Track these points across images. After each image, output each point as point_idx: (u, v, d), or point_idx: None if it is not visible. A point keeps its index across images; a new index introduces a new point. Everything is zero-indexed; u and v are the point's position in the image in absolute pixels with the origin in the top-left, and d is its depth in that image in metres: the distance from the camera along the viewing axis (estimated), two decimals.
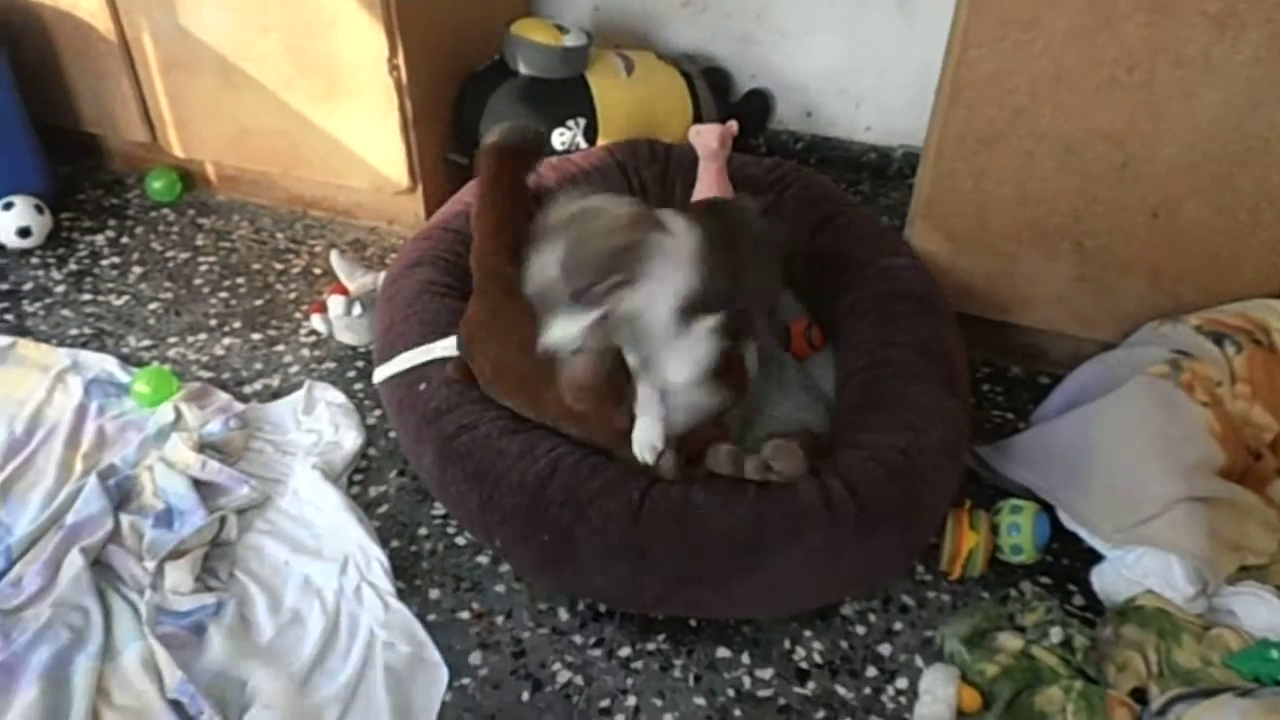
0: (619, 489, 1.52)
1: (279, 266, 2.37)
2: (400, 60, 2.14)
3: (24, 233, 2.32)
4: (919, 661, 1.61)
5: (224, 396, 2.00)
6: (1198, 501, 1.54)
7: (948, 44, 1.95)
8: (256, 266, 2.37)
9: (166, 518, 1.75)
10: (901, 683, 1.58)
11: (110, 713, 1.46)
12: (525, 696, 1.55)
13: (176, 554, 1.69)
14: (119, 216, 2.52)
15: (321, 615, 1.62)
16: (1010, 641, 1.57)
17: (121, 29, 2.31)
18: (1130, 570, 1.58)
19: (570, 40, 2.34)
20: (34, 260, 2.36)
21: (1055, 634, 1.57)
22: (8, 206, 2.31)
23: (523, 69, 2.34)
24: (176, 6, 2.21)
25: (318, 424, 1.96)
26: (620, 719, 1.52)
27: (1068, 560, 1.74)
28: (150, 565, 1.68)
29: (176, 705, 1.47)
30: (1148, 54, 1.68)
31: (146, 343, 2.15)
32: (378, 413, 2.00)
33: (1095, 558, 1.69)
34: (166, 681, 1.49)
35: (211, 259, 2.39)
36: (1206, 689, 1.44)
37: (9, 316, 2.19)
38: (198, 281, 2.32)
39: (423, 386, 1.70)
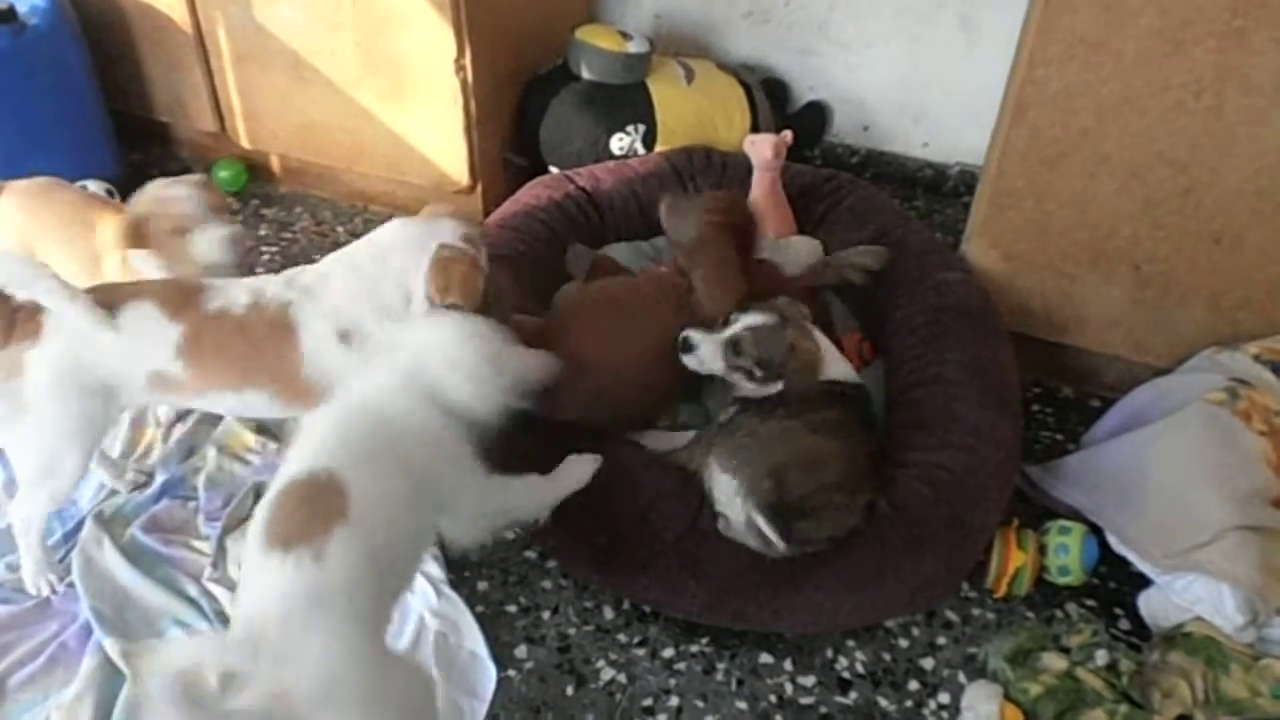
0: (678, 498, 1.54)
1: None
2: (467, 61, 2.18)
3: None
4: (961, 678, 1.61)
5: None
6: (1251, 531, 1.53)
7: (1013, 63, 1.95)
8: (317, 258, 2.41)
9: (224, 499, 1.80)
10: (944, 697, 1.58)
11: None
12: (570, 691, 1.57)
13: (231, 527, 1.74)
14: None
15: None
16: (1055, 662, 1.57)
17: (198, 21, 2.38)
18: (1180, 597, 1.57)
19: (633, 47, 2.37)
20: None
21: (1101, 656, 1.57)
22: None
23: (585, 73, 2.37)
24: (252, 2, 2.27)
25: None
26: (663, 718, 1.54)
27: (1115, 584, 1.74)
28: (210, 545, 1.72)
29: None
30: (1217, 79, 1.67)
31: None
32: None
33: (1143, 582, 1.68)
34: None
35: (274, 249, 2.45)
36: (1254, 719, 1.43)
37: None
38: (260, 271, 2.37)
39: None
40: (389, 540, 1.25)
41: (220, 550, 1.72)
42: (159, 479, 1.83)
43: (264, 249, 2.45)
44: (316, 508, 1.22)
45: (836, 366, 1.72)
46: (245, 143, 2.55)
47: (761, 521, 1.47)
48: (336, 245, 2.43)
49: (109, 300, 1.53)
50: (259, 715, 1.10)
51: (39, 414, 1.52)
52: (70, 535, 1.74)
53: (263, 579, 1.19)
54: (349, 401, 1.38)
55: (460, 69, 2.18)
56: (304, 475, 1.26)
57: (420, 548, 1.42)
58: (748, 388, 1.69)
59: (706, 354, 1.68)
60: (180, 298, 1.56)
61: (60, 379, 1.51)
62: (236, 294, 1.58)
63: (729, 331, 1.67)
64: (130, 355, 1.53)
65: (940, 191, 2.70)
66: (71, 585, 1.65)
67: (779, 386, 1.66)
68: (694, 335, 1.69)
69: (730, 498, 1.50)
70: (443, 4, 2.09)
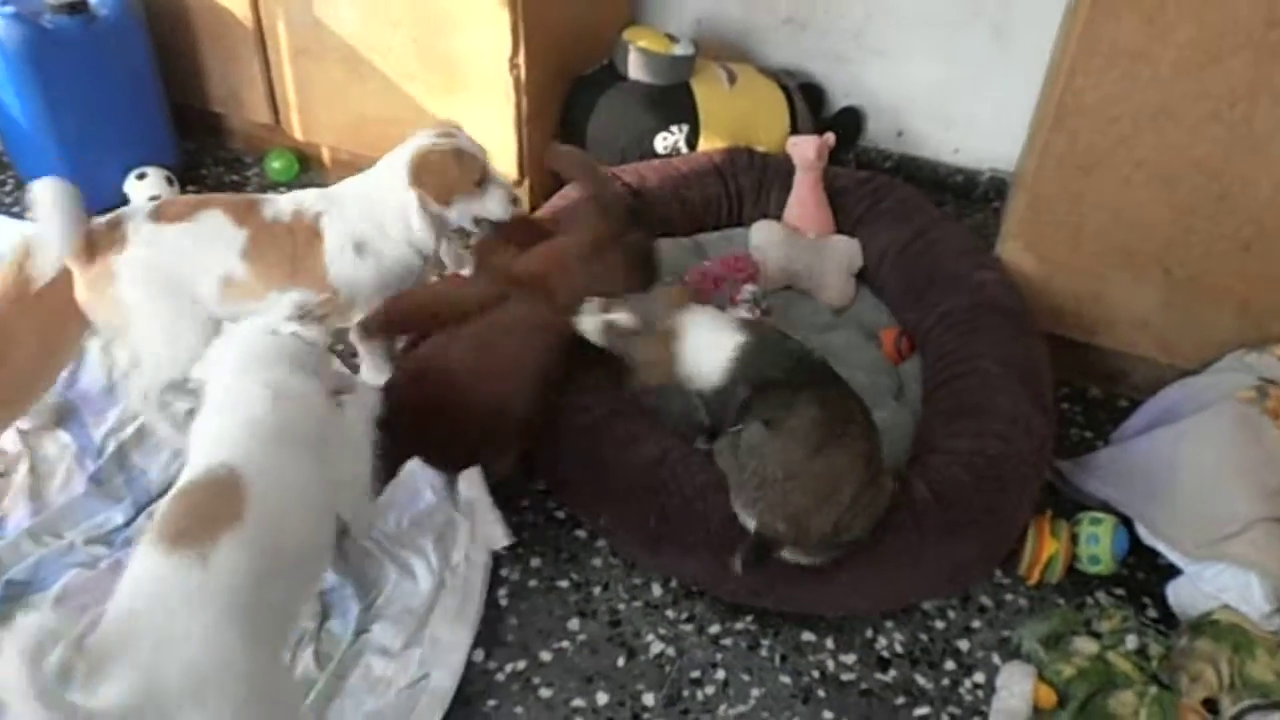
0: (724, 486, 1.61)
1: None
2: (521, 59, 2.25)
3: (154, 201, 2.46)
4: (996, 659, 1.68)
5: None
6: (1278, 523, 1.60)
7: (1050, 71, 2.03)
8: None
9: None
10: (979, 677, 1.65)
11: None
12: (621, 662, 1.64)
13: None
14: (238, 192, 2.66)
15: (429, 572, 1.72)
16: (1086, 645, 1.63)
17: (258, 16, 2.45)
18: (1208, 585, 1.64)
19: (679, 49, 2.44)
20: None
21: (1131, 641, 1.63)
22: (141, 177, 2.46)
23: (632, 74, 2.44)
24: None
25: None
26: (710, 690, 1.61)
27: (1143, 574, 1.80)
28: None
29: None
30: (1251, 91, 1.74)
31: None
32: None
33: (1170, 574, 1.75)
34: None
35: None
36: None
37: None
38: None
39: None
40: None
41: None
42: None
43: None
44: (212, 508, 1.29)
45: (709, 358, 1.63)
46: (298, 134, 2.62)
47: (738, 557, 1.53)
48: None
49: (184, 212, 1.79)
50: (123, 712, 1.10)
51: (137, 310, 1.77)
52: None
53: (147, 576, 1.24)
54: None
55: (514, 67, 2.26)
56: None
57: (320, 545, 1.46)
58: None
59: (589, 327, 1.71)
60: (244, 207, 1.81)
61: (148, 277, 1.75)
62: (285, 205, 1.83)
63: (612, 314, 1.70)
64: (204, 258, 1.78)
65: (970, 197, 2.77)
66: None
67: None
68: (585, 307, 1.72)
69: (749, 527, 1.55)
70: (502, 4, 2.17)
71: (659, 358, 1.64)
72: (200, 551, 1.23)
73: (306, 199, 1.85)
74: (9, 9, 2.23)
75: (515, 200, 1.89)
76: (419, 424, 1.72)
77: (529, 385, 1.76)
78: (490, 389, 1.73)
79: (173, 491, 1.35)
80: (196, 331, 1.82)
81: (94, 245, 1.73)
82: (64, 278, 1.74)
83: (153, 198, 2.46)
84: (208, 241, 1.77)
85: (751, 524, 1.53)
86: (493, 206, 1.86)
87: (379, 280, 1.88)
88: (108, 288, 1.75)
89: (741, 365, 1.60)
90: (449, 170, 1.80)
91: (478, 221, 1.90)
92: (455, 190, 1.81)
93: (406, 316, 1.88)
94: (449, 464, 1.76)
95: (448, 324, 1.80)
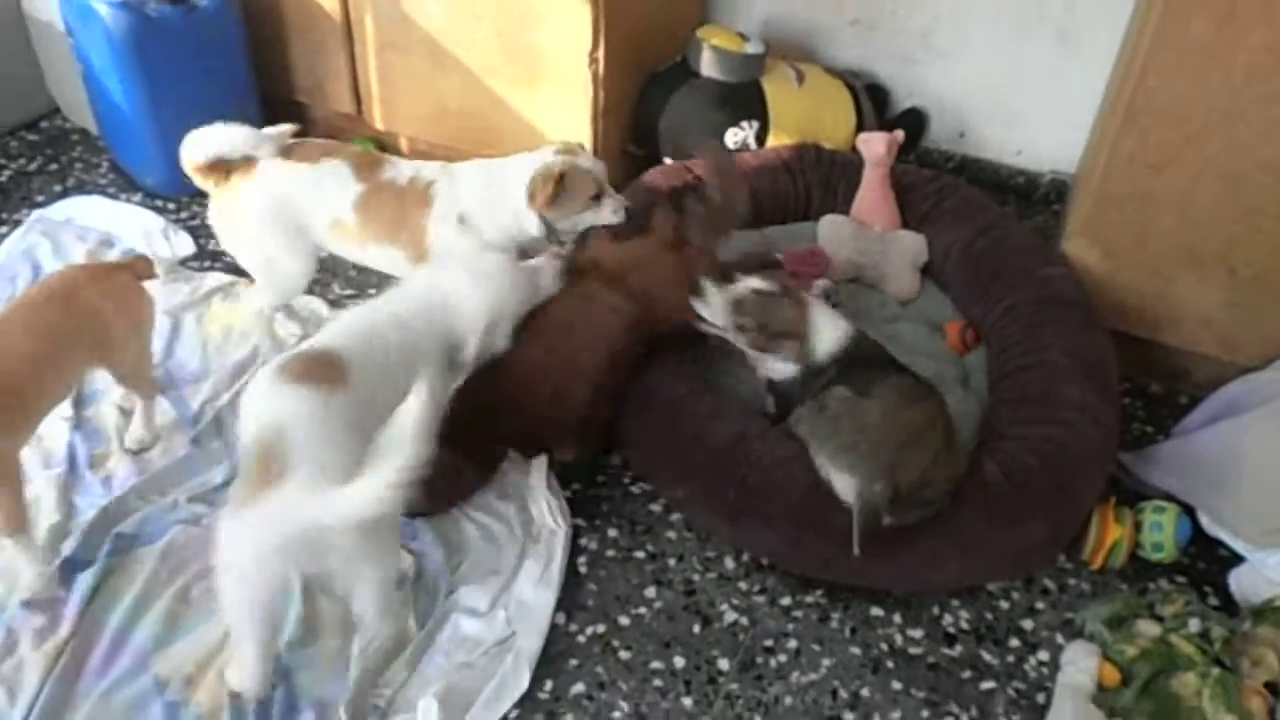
0: (803, 459, 1.68)
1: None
2: (600, 54, 2.33)
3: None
4: (1059, 639, 1.73)
5: None
6: None
7: (1120, 72, 2.08)
8: None
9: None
10: (1043, 655, 1.71)
11: None
12: (696, 629, 1.71)
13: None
14: None
15: (513, 539, 1.81)
16: (1149, 628, 1.68)
17: (346, 9, 2.55)
18: (1273, 572, 1.68)
19: (751, 48, 2.51)
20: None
21: (1194, 624, 1.68)
22: None
23: (704, 71, 2.52)
24: None
25: None
26: (782, 658, 1.68)
27: (1204, 564, 1.85)
28: None
29: None
30: None
31: (349, 291, 2.38)
32: None
33: (1231, 563, 1.79)
34: None
35: None
36: None
37: (229, 260, 2.44)
38: None
39: None
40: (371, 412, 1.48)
41: None
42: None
43: None
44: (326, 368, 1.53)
45: (829, 335, 1.74)
46: (379, 124, 2.72)
47: (855, 529, 1.60)
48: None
49: (312, 155, 2.00)
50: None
51: (253, 234, 2.01)
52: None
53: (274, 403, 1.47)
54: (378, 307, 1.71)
55: (593, 61, 2.34)
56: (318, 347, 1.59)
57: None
58: (771, 367, 1.80)
59: (715, 304, 1.77)
60: (367, 164, 2.01)
61: (268, 205, 1.97)
62: (404, 170, 2.01)
63: (735, 290, 1.78)
64: (319, 201, 1.98)
65: (1031, 199, 2.81)
66: None
67: (789, 366, 1.76)
68: (708, 285, 1.79)
69: (845, 494, 1.62)
70: (584, 0, 2.26)
71: (794, 329, 1.73)
72: None
73: (427, 169, 2.02)
74: None
75: (626, 210, 2.01)
76: (484, 410, 1.80)
77: (590, 381, 1.83)
78: (550, 384, 1.82)
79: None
80: (300, 264, 2.05)
81: (229, 170, 1.96)
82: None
83: None
84: (326, 186, 1.98)
85: (850, 490, 1.60)
86: (606, 216, 2.00)
87: (501, 240, 2.02)
88: (234, 211, 1.99)
89: (848, 347, 1.71)
90: (568, 187, 1.95)
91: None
92: (569, 206, 1.97)
93: None
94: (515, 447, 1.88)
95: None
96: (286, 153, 1.99)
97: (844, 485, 1.63)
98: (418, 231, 1.98)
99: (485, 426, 1.82)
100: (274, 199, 1.97)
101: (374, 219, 1.98)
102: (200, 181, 1.99)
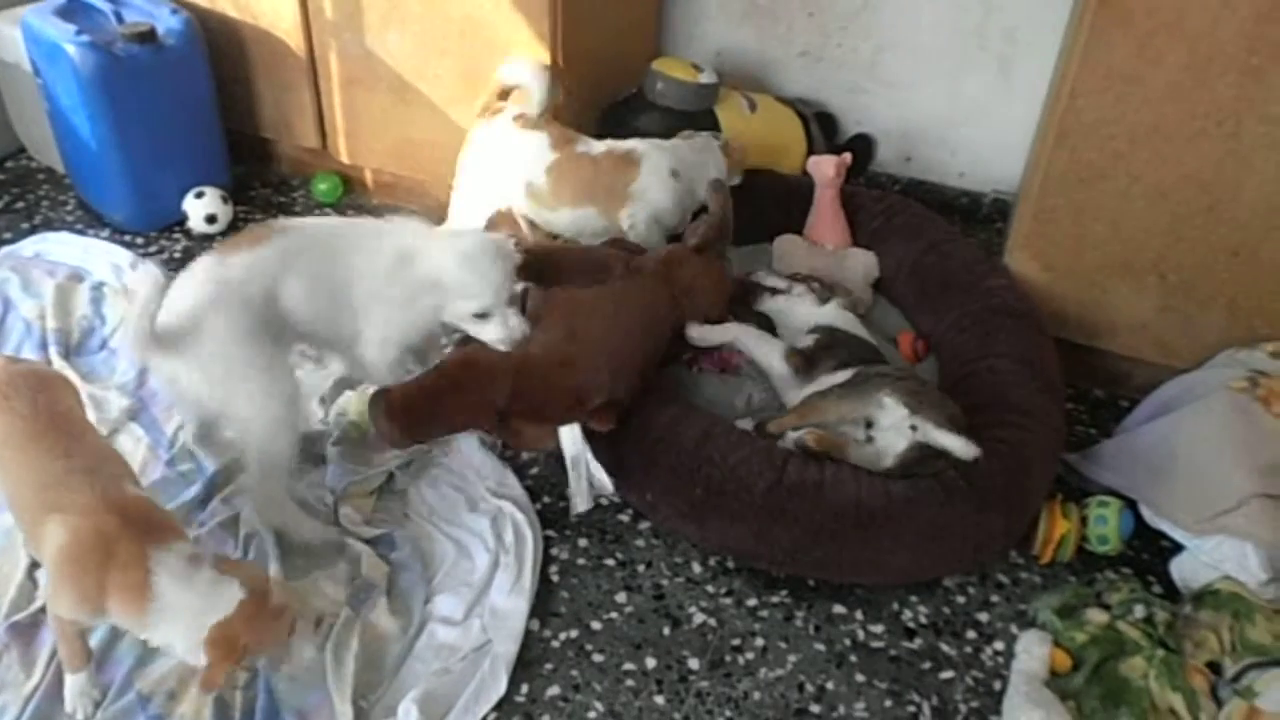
0: (765, 456, 1.76)
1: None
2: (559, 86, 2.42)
3: (210, 219, 2.61)
4: (1014, 629, 1.81)
5: None
6: (1273, 498, 1.74)
7: (1052, 93, 2.21)
8: None
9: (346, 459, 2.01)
10: (999, 645, 1.78)
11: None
12: (666, 631, 1.77)
13: (348, 496, 1.94)
14: (286, 213, 2.81)
15: (485, 551, 1.86)
16: (1097, 616, 1.76)
17: (311, 47, 2.62)
18: (1209, 557, 1.78)
19: (705, 78, 2.62)
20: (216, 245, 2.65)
21: (1139, 610, 1.77)
22: (199, 195, 2.62)
23: (660, 100, 2.62)
24: (365, 29, 2.52)
25: None
26: (750, 656, 1.74)
27: (1147, 555, 1.94)
28: (329, 501, 1.93)
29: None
30: (1236, 110, 1.91)
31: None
32: None
33: (1172, 553, 1.89)
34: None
35: None
36: (1277, 659, 1.62)
37: None
38: None
39: None
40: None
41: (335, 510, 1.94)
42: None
43: None
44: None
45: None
46: (344, 158, 2.78)
47: (959, 440, 1.74)
48: None
49: (526, 124, 2.30)
50: None
51: (466, 176, 2.39)
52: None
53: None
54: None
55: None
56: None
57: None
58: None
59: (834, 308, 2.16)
60: (563, 139, 2.30)
61: (481, 157, 2.36)
62: (596, 146, 2.30)
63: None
64: (519, 164, 2.29)
65: (975, 218, 2.94)
66: None
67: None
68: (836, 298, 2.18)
69: (900, 424, 1.77)
70: (543, 34, 2.35)
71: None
72: None
73: (620, 144, 2.30)
74: (84, 37, 2.39)
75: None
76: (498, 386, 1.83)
77: (609, 368, 1.85)
78: (569, 369, 1.84)
79: None
80: (487, 203, 2.38)
81: (490, 110, 2.34)
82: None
83: (209, 216, 2.62)
84: (526, 152, 2.29)
85: (928, 426, 1.76)
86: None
87: (679, 208, 2.31)
88: (466, 149, 2.39)
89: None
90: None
91: None
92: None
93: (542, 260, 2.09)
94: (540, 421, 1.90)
95: (573, 279, 2.05)
96: (513, 118, 2.30)
97: (930, 430, 1.77)
98: (617, 189, 2.26)
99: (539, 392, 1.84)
100: (486, 152, 2.34)
101: (563, 185, 2.28)
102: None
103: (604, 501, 2.00)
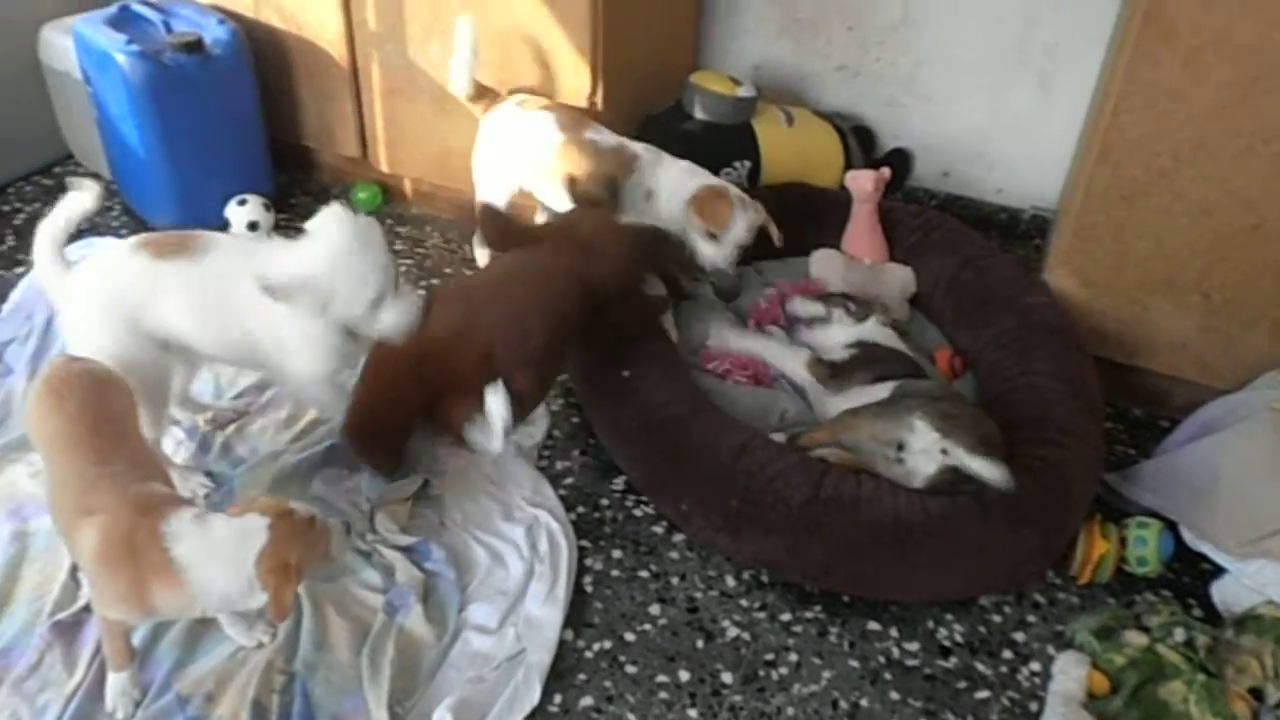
0: (803, 468, 1.76)
1: (469, 273, 2.67)
2: (599, 98, 2.44)
3: (253, 226, 2.65)
4: (1050, 650, 1.79)
5: None
6: None
7: (1094, 110, 2.19)
8: (448, 270, 2.68)
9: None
10: (1035, 665, 1.77)
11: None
12: (699, 644, 1.77)
13: (383, 503, 1.96)
14: None
15: (520, 560, 1.86)
16: (1136, 638, 1.74)
17: (354, 58, 2.66)
18: (1251, 580, 1.75)
19: (743, 92, 2.63)
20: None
21: (1179, 634, 1.74)
22: (241, 202, 2.65)
23: (698, 114, 2.63)
24: (408, 41, 2.55)
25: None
26: (784, 670, 1.73)
27: (1187, 577, 1.92)
28: (365, 508, 1.95)
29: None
30: None
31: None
32: (560, 401, 2.26)
33: (1213, 575, 1.86)
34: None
35: (409, 261, 2.70)
36: None
37: None
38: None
39: (626, 373, 1.96)
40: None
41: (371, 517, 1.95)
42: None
43: (401, 261, 2.70)
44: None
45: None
46: (384, 167, 2.82)
47: (990, 466, 1.70)
48: (465, 260, 2.71)
49: (535, 105, 2.37)
50: None
51: (480, 155, 2.47)
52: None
53: None
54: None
55: (592, 104, 2.45)
56: None
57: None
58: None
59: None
60: (573, 123, 2.33)
61: (493, 137, 2.42)
62: (609, 138, 2.33)
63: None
64: (528, 143, 2.35)
65: (1013, 234, 2.92)
66: None
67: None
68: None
69: (930, 448, 1.74)
70: (583, 48, 2.37)
71: None
72: None
73: (635, 145, 2.33)
74: (134, 47, 2.44)
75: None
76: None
77: (505, 325, 1.88)
78: (470, 335, 1.87)
79: None
80: (504, 187, 2.44)
81: (487, 98, 2.44)
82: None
83: (251, 223, 2.66)
84: (535, 133, 2.33)
85: (960, 451, 1.72)
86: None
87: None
88: (477, 143, 2.46)
89: None
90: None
91: None
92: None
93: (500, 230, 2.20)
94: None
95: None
96: (520, 102, 2.40)
97: (959, 452, 1.74)
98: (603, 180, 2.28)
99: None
100: (498, 132, 2.41)
101: (563, 165, 2.30)
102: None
103: (638, 513, 2.00)
